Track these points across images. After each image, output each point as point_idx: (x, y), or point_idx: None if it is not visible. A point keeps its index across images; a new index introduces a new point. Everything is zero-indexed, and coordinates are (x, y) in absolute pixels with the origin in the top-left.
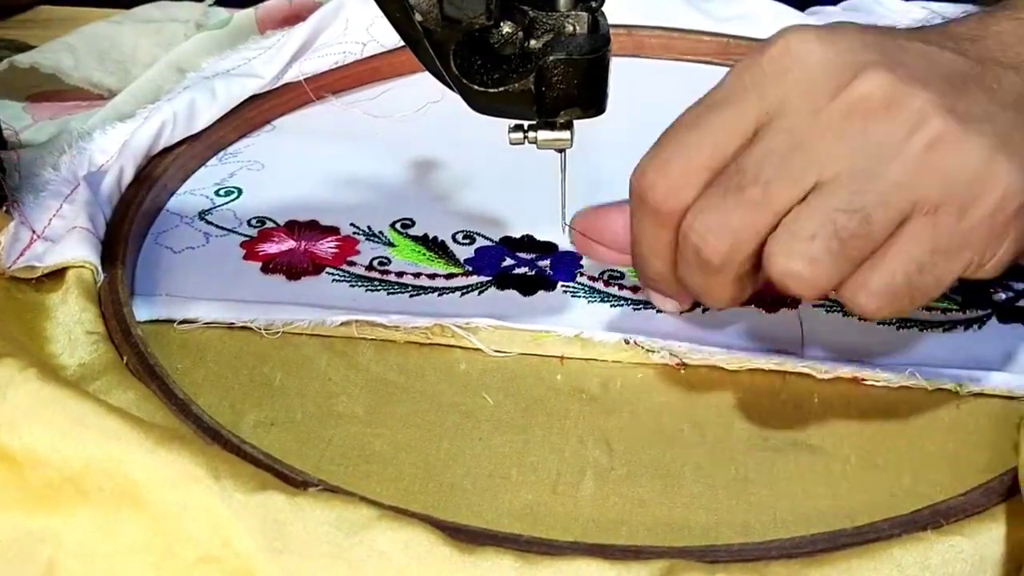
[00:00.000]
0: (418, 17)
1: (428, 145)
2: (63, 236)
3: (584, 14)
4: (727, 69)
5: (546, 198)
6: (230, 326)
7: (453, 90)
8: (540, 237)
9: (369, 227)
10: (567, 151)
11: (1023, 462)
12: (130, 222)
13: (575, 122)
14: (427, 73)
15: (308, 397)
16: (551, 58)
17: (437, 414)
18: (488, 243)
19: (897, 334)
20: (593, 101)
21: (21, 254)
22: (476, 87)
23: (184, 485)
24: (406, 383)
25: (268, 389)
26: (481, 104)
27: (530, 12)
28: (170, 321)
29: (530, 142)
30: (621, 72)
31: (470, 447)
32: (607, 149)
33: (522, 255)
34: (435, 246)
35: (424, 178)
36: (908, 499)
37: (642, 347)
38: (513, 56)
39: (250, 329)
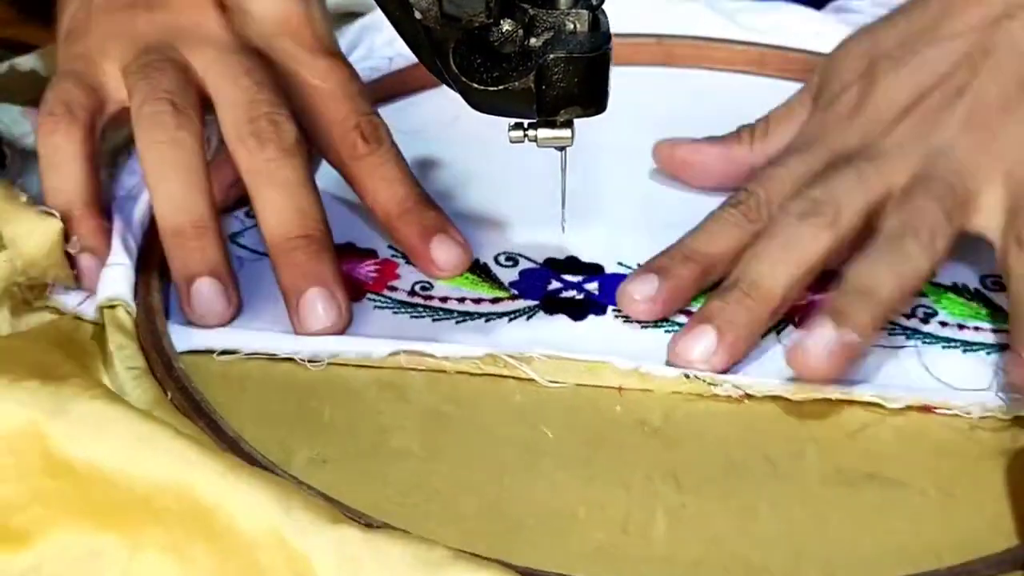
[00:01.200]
0: (417, 15)
1: (460, 161)
2: (102, 272)
3: (585, 12)
4: (761, 80)
5: (588, 217)
6: (272, 357)
7: (453, 88)
8: (585, 258)
9: (405, 252)
10: (568, 150)
11: None
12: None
13: (577, 120)
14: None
15: (360, 432)
16: (551, 56)
17: (495, 448)
18: (532, 265)
19: (965, 359)
20: (593, 99)
21: (87, 298)
22: (476, 85)
23: (257, 514)
24: (460, 415)
25: (317, 424)
26: (481, 103)
27: (530, 10)
28: (209, 352)
29: (530, 140)
30: (650, 81)
31: (533, 483)
32: (637, 157)
33: (568, 278)
34: (477, 269)
35: (459, 198)
36: (992, 534)
37: (704, 380)
38: (513, 54)
39: (293, 361)
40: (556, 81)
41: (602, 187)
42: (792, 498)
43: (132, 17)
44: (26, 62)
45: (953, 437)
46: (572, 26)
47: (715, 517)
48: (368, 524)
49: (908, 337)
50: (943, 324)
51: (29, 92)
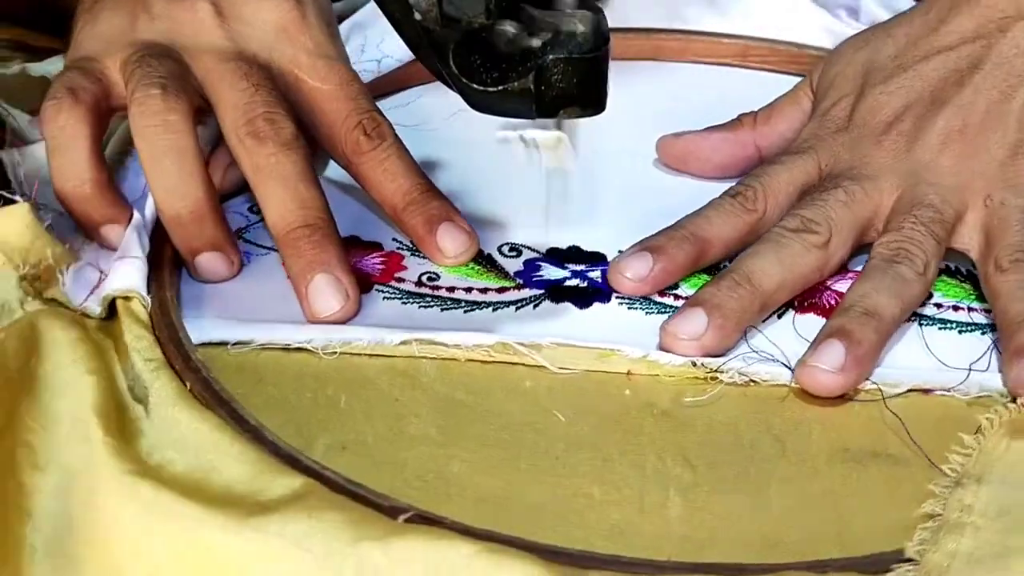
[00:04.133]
0: (417, 16)
1: (463, 156)
2: (113, 266)
3: (586, 12)
4: (747, 72)
5: (589, 208)
6: (286, 347)
7: (452, 89)
8: (587, 247)
9: (413, 242)
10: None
11: None
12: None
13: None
14: None
15: (376, 419)
16: (550, 57)
17: (510, 433)
18: (535, 255)
19: (961, 340)
20: (592, 100)
21: (92, 292)
22: (475, 86)
23: (273, 556)
24: (474, 402)
25: (334, 411)
26: (480, 103)
27: (530, 11)
28: (222, 344)
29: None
30: (639, 75)
31: (548, 466)
32: (635, 149)
33: (572, 266)
34: (483, 260)
35: (462, 191)
36: None
37: (710, 368)
38: (512, 55)
39: (306, 350)
40: (555, 82)
41: (601, 179)
42: (802, 476)
43: (133, 23)
44: (39, 67)
45: (951, 415)
46: (572, 27)
47: (729, 495)
48: (395, 509)
49: (909, 319)
50: (938, 306)
51: (39, 98)
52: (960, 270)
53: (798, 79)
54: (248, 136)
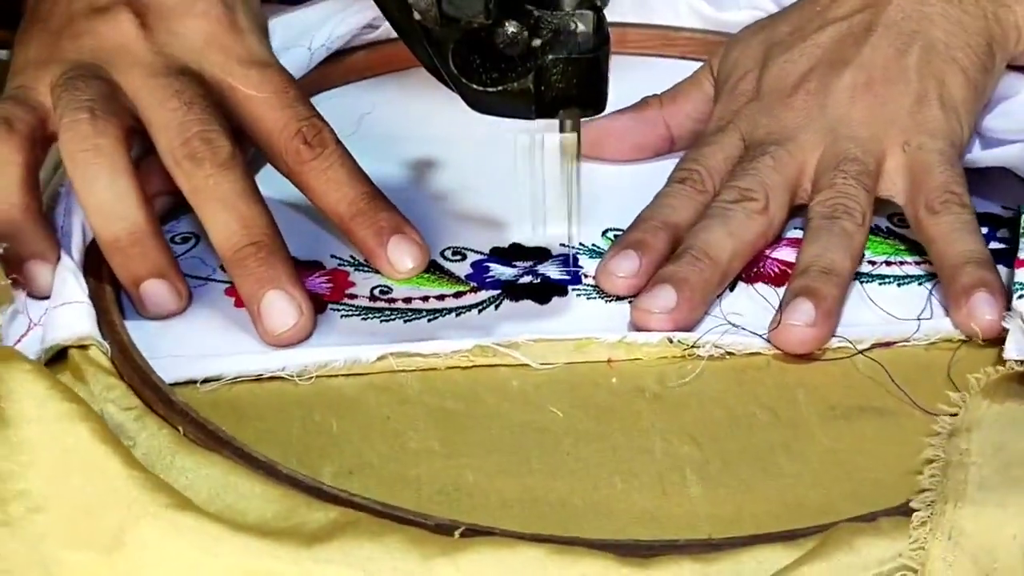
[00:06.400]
0: (416, 16)
1: (374, 160)
2: (52, 312)
3: (588, 12)
4: (665, 60)
5: (523, 201)
6: (258, 378)
7: (451, 88)
8: (528, 244)
9: (352, 256)
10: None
11: None
12: (111, 282)
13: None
14: (356, 84)
15: (375, 439)
16: (550, 57)
17: (513, 435)
18: (480, 256)
19: (901, 292)
20: (592, 100)
21: (20, 340)
22: (475, 86)
23: None
24: (467, 409)
25: (329, 438)
26: (480, 103)
27: (530, 11)
28: (191, 382)
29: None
30: None
31: (561, 462)
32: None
33: (520, 263)
34: (430, 266)
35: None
36: None
37: (685, 343)
38: (512, 55)
39: (280, 379)
40: (555, 82)
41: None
42: (801, 439)
43: (58, 42)
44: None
45: (917, 363)
46: (572, 27)
47: (740, 468)
48: (449, 528)
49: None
50: (872, 263)
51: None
52: (881, 228)
53: None
54: (185, 158)
